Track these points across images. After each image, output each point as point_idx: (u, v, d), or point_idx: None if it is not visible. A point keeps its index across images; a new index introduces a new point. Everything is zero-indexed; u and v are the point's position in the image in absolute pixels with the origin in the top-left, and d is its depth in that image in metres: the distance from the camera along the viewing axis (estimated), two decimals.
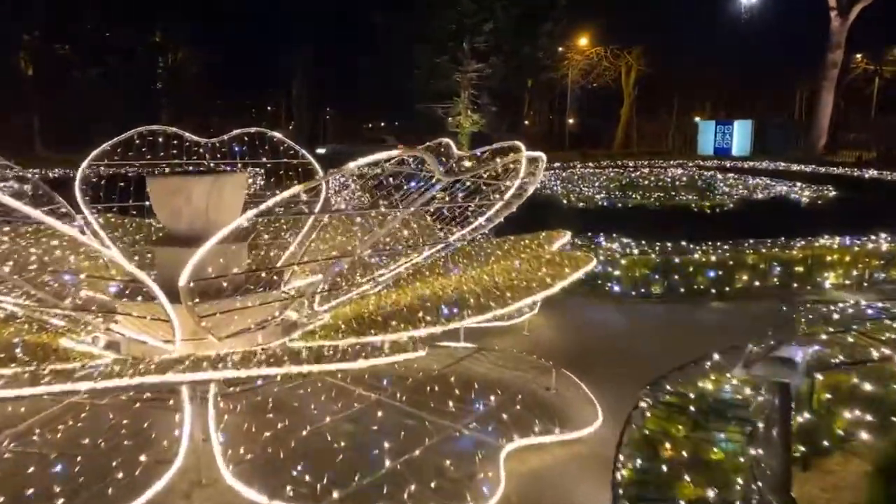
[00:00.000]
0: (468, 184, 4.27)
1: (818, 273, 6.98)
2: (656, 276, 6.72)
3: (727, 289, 6.77)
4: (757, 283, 6.86)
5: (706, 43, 37.39)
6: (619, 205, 12.12)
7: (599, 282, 6.69)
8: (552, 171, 19.67)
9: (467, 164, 5.15)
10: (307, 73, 39.63)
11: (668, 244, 7.02)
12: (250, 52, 40.99)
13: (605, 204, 12.26)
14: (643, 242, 7.08)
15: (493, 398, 3.93)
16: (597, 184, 18.80)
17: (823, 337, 3.77)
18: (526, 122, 56.56)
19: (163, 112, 32.75)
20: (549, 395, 4.17)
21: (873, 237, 7.34)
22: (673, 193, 12.46)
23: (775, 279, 6.90)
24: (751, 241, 7.19)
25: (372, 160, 2.79)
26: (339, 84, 40.63)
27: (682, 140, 47.38)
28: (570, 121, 59.02)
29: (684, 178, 19.06)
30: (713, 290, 6.75)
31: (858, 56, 40.35)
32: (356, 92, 41.10)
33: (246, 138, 6.19)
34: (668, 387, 3.19)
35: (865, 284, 7.04)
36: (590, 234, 7.47)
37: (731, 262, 6.80)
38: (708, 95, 47.27)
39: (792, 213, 10.64)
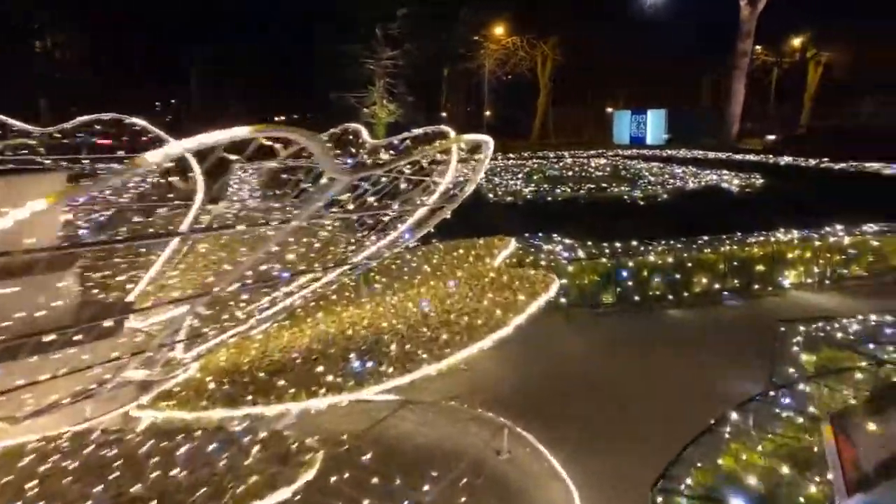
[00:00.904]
0: (385, 181, 3.13)
1: (779, 272, 6.28)
2: (608, 283, 5.78)
3: (685, 293, 5.94)
4: (717, 286, 6.07)
5: (619, 32, 37.58)
6: (549, 198, 11.27)
7: None
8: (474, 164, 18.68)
9: (384, 156, 3.98)
10: (207, 68, 36.78)
11: (618, 245, 6.11)
12: (148, 46, 37.77)
13: (534, 198, 11.37)
14: (588, 244, 6.14)
15: (425, 479, 2.80)
16: (520, 176, 18.08)
17: (858, 375, 2.85)
18: (443, 114, 55.73)
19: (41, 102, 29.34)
20: (502, 465, 3.09)
21: (829, 229, 6.74)
22: (604, 185, 11.74)
23: (735, 281, 6.14)
24: (705, 237, 6.41)
25: (198, 142, 1.57)
26: (241, 76, 37.97)
27: (597, 130, 47.99)
28: (488, 112, 58.72)
29: (608, 168, 18.62)
30: (670, 297, 5.90)
31: (758, 48, 41.97)
32: (262, 83, 38.68)
33: (98, 126, 4.80)
34: (688, 480, 2.15)
35: (828, 282, 6.41)
36: (526, 234, 6.47)
37: (688, 264, 5.97)
38: (621, 85, 47.96)
39: (728, 203, 10.12)
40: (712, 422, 2.58)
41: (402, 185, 3.22)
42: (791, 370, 3.46)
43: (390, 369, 2.60)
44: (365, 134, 4.43)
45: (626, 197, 10.97)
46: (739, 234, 6.56)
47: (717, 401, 3.27)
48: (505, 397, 3.79)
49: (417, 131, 3.80)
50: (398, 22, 26.00)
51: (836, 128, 40.10)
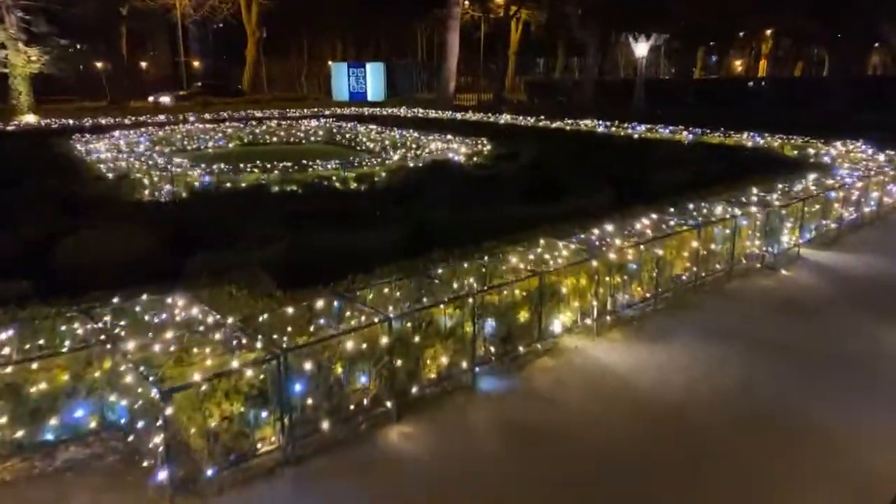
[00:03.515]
0: None
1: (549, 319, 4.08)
2: None
3: None
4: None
5: None
6: (228, 185, 7.95)
7: None
8: (144, 131, 14.20)
9: None
10: None
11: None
12: None
13: (203, 185, 7.94)
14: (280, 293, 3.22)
15: None
16: (207, 145, 14.14)
17: None
18: (144, 64, 46.80)
19: None
20: None
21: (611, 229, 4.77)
22: (309, 163, 8.75)
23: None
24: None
25: None
26: None
27: (315, 85, 44.67)
28: (196, 63, 51.07)
29: (321, 133, 15.69)
30: None
31: (466, 3, 42.42)
32: None
33: None
34: None
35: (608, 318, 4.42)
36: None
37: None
38: (337, 36, 45.11)
39: (460, 182, 7.95)
40: None
41: None
42: None
43: None
44: None
45: (336, 179, 8.17)
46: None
47: None
48: None
49: None
50: None
51: (532, 83, 43.09)
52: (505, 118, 17.68)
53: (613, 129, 14.52)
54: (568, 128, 15.23)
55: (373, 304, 3.61)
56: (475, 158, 10.38)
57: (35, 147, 11.41)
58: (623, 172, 8.04)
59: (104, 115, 18.64)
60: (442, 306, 3.60)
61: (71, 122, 16.61)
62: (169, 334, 3.15)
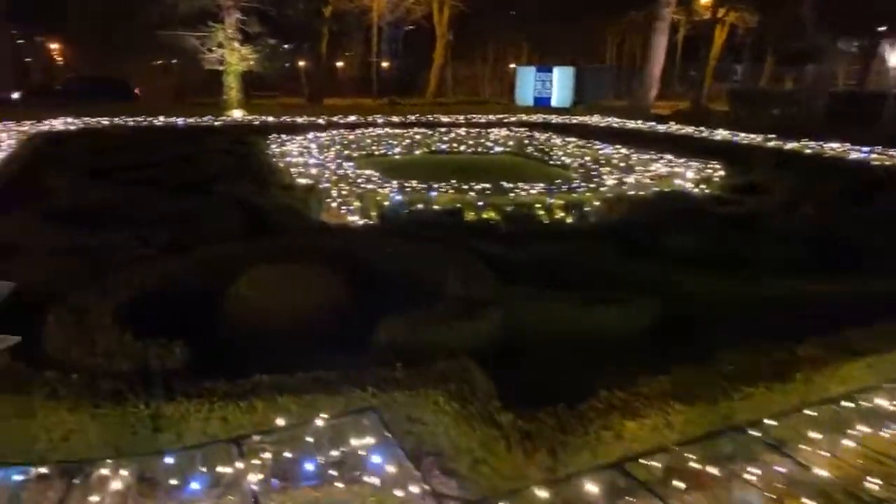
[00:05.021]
0: None
1: None
2: None
3: None
4: None
5: None
6: (420, 205, 6.90)
7: None
8: (336, 133, 13.96)
9: None
10: None
11: None
12: None
13: (393, 203, 6.95)
14: None
15: None
16: (394, 151, 13.51)
17: None
18: (340, 64, 49.42)
19: None
20: None
21: None
22: (510, 186, 7.40)
23: None
24: None
25: None
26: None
27: (497, 89, 43.88)
28: (385, 64, 52.85)
29: (510, 143, 14.48)
30: None
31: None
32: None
33: None
34: None
35: None
36: None
37: None
38: (522, 38, 44.10)
39: (706, 224, 6.11)
40: None
41: None
42: None
43: None
44: None
45: (543, 210, 6.78)
46: None
47: None
48: None
49: None
50: None
51: (736, 93, 38.47)
52: (721, 133, 15.24)
53: (875, 156, 11.60)
54: (808, 150, 12.52)
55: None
56: (705, 187, 8.47)
57: (233, 144, 11.47)
58: None
59: (301, 113, 19.09)
60: None
61: (270, 119, 17.10)
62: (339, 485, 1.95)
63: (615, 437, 2.53)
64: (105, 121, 14.87)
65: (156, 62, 33.38)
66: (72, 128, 13.81)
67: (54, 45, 39.97)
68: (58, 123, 13.94)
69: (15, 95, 25.12)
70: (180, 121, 15.76)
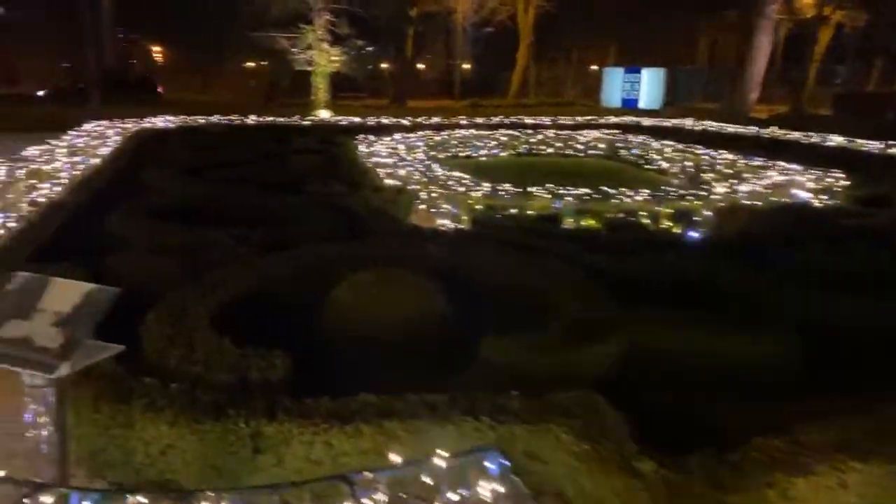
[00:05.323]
0: None
1: None
2: None
3: None
4: None
5: None
6: (513, 210, 6.56)
7: None
8: (422, 134, 13.83)
9: None
10: None
11: None
12: None
13: (484, 217, 6.61)
14: None
15: None
16: (480, 153, 13.16)
17: None
18: (422, 66, 49.73)
19: None
20: None
21: None
22: (612, 191, 6.89)
23: None
24: None
25: None
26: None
27: (581, 90, 42.80)
28: (467, 66, 52.68)
29: (601, 146, 13.88)
30: None
31: None
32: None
33: None
34: None
35: None
36: None
37: None
38: (611, 39, 42.85)
39: (831, 240, 5.47)
40: None
41: None
42: None
43: None
44: None
45: (648, 218, 6.29)
46: None
47: None
48: None
49: None
50: None
51: (841, 96, 35.77)
52: (835, 139, 14.06)
53: None
54: None
55: None
56: (827, 198, 7.70)
57: (322, 143, 11.53)
58: None
59: (385, 114, 19.13)
60: None
61: (357, 119, 17.20)
62: None
63: (780, 497, 2.12)
64: (202, 119, 15.36)
65: (247, 63, 34.62)
66: (171, 125, 14.33)
67: (156, 48, 42.25)
68: (158, 121, 14.51)
69: (41, 93, 25.86)
70: (270, 120, 16.10)
